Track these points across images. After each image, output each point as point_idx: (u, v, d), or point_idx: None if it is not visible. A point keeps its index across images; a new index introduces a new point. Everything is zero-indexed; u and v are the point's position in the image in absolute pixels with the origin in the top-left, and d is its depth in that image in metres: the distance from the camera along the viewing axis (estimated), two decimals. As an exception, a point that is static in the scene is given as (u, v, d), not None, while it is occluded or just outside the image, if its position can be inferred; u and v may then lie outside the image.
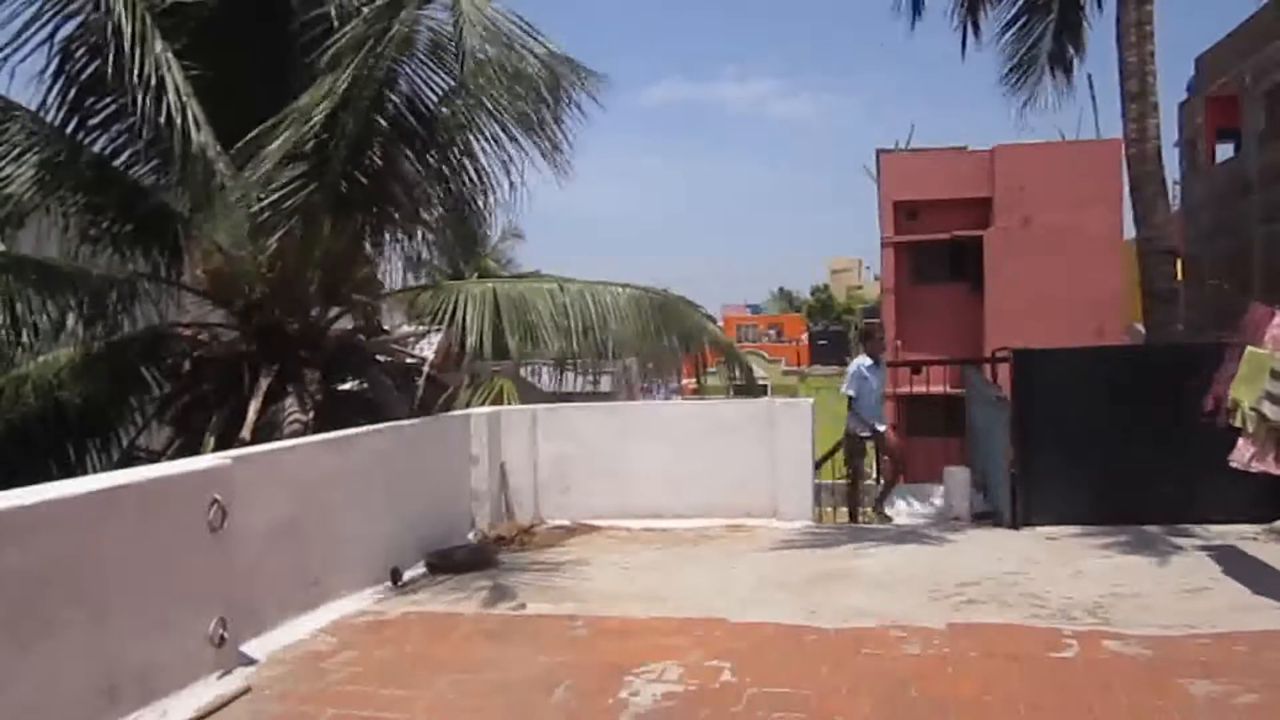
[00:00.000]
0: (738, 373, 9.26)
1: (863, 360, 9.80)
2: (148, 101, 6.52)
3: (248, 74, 7.36)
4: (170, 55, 6.60)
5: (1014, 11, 12.29)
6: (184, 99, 6.56)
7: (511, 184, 7.68)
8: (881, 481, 10.05)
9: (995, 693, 4.25)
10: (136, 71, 6.36)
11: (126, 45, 6.34)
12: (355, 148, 7.10)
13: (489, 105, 7.42)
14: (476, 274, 15.03)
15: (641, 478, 8.34)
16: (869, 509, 9.55)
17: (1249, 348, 6.51)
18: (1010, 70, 12.46)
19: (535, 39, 7.12)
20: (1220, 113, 22.42)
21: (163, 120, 6.60)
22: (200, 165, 6.77)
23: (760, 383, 9.88)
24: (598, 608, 5.77)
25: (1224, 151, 23.72)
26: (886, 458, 9.94)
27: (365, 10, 6.78)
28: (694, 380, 9.68)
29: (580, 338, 7.79)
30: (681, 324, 8.51)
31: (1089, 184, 22.26)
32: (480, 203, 8.06)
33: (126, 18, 6.36)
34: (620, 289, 8.33)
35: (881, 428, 9.74)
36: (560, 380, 8.73)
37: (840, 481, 10.49)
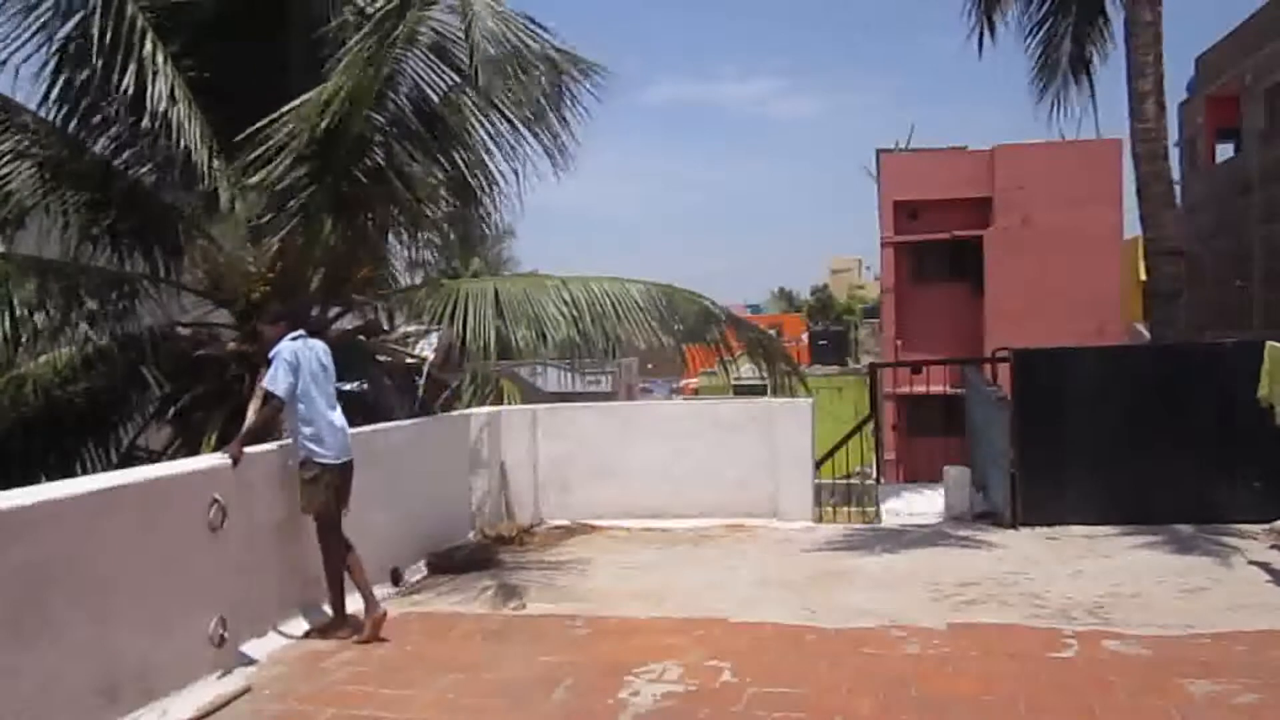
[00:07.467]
0: (763, 351, 9.04)
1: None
2: (127, 106, 6.52)
3: (250, 74, 7.35)
4: (161, 58, 6.58)
5: (1040, 14, 12.25)
6: (166, 104, 6.54)
7: (516, 178, 7.71)
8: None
9: (995, 692, 4.25)
10: (117, 77, 6.35)
11: (105, 50, 6.33)
12: (357, 147, 7.10)
13: (494, 103, 7.42)
14: (473, 274, 15.02)
15: (641, 477, 8.34)
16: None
17: (1269, 343, 6.51)
18: (1036, 74, 12.43)
19: (541, 37, 7.16)
20: (1220, 113, 22.38)
21: (143, 125, 6.61)
22: (183, 167, 6.76)
23: (757, 383, 9.52)
24: (598, 607, 5.78)
25: (1224, 151, 23.68)
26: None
27: (372, 11, 6.78)
28: (720, 369, 8.94)
29: (588, 327, 7.73)
30: (692, 313, 8.45)
31: (1089, 184, 22.24)
32: (481, 200, 8.06)
33: (111, 22, 6.35)
34: (627, 283, 8.29)
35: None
36: (561, 379, 8.68)
37: (840, 481, 10.35)
